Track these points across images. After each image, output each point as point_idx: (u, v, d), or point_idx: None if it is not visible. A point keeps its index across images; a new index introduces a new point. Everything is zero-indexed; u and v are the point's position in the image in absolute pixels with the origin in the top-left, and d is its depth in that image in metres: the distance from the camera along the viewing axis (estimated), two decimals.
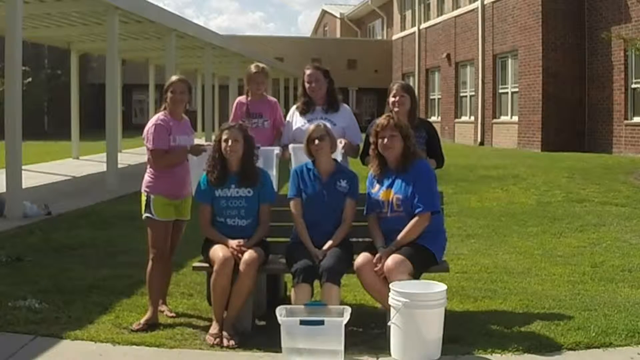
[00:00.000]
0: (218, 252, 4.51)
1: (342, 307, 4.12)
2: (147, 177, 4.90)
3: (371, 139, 4.71)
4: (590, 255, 6.93)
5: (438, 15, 27.36)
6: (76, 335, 4.41)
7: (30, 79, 27.27)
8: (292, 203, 4.75)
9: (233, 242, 4.53)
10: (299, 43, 40.48)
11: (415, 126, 4.94)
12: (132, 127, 28.22)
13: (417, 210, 4.49)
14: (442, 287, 4.15)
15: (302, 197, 4.73)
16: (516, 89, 20.80)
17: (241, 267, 4.43)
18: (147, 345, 4.30)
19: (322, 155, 4.72)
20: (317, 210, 4.69)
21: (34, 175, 13.19)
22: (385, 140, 4.57)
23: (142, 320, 4.65)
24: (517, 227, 8.63)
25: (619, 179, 12.31)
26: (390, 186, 4.60)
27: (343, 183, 4.71)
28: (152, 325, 4.63)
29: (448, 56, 25.74)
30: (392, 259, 4.33)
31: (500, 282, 5.92)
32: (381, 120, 4.65)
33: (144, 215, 4.86)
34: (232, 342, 4.31)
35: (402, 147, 4.58)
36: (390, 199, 4.56)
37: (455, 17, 25.30)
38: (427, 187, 4.56)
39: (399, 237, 4.46)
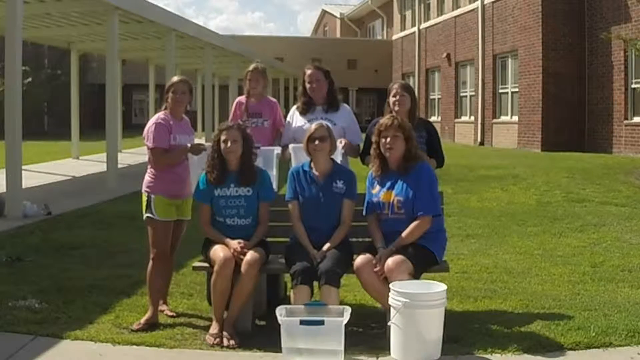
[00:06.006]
0: (218, 252, 4.51)
1: (342, 307, 4.12)
2: (147, 177, 4.90)
3: (373, 139, 4.69)
4: (590, 255, 6.93)
5: (438, 15, 27.35)
6: (76, 335, 4.41)
7: (30, 79, 27.29)
8: (290, 206, 4.75)
9: (234, 243, 4.53)
10: (299, 43, 40.49)
11: (416, 126, 4.94)
12: (132, 127, 28.21)
13: (418, 214, 4.49)
14: (442, 287, 4.15)
15: (299, 200, 4.73)
16: (516, 89, 20.80)
17: (243, 268, 4.43)
18: (147, 345, 4.30)
19: (321, 156, 4.70)
20: (314, 213, 4.68)
21: (34, 175, 13.19)
22: (388, 139, 4.56)
23: (142, 320, 4.66)
24: (517, 227, 8.62)
25: (619, 179, 12.31)
26: (391, 188, 4.59)
27: (339, 184, 4.70)
28: (152, 325, 4.63)
29: (448, 56, 25.73)
30: (392, 259, 4.33)
31: (500, 282, 5.92)
32: (385, 120, 4.64)
33: (145, 215, 4.86)
34: (232, 342, 4.31)
35: (404, 149, 4.58)
36: (391, 201, 4.56)
37: (455, 17, 25.29)
38: (428, 191, 4.56)
39: (400, 238, 4.46)
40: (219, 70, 26.47)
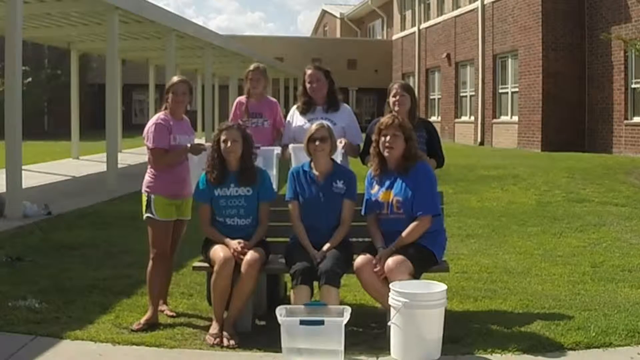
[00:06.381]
0: (218, 252, 4.51)
1: (342, 307, 4.12)
2: (147, 177, 4.90)
3: (373, 137, 4.70)
4: (590, 255, 6.93)
5: (438, 15, 27.35)
6: (76, 335, 4.41)
7: (30, 79, 27.27)
8: (290, 206, 4.75)
9: (234, 243, 4.54)
10: (299, 43, 40.47)
11: (416, 126, 4.94)
12: (132, 127, 28.19)
13: (418, 214, 4.49)
14: (442, 287, 4.15)
15: (300, 200, 4.73)
16: (516, 89, 20.79)
17: (243, 268, 4.43)
18: (147, 345, 4.30)
19: (321, 156, 4.70)
20: (315, 213, 4.68)
21: (34, 175, 13.19)
22: (388, 138, 4.56)
23: (142, 320, 4.66)
24: (517, 227, 8.62)
25: (619, 179, 12.31)
26: (390, 187, 4.59)
27: (339, 184, 4.70)
28: (152, 325, 4.64)
29: (448, 56, 25.73)
30: (392, 259, 4.33)
31: (500, 282, 5.93)
32: (385, 119, 4.65)
33: (145, 215, 4.86)
34: (232, 342, 4.31)
35: (404, 148, 4.58)
36: (390, 200, 4.56)
37: (455, 17, 25.29)
38: (428, 190, 4.56)
39: (399, 238, 4.46)
40: (219, 70, 26.46)
